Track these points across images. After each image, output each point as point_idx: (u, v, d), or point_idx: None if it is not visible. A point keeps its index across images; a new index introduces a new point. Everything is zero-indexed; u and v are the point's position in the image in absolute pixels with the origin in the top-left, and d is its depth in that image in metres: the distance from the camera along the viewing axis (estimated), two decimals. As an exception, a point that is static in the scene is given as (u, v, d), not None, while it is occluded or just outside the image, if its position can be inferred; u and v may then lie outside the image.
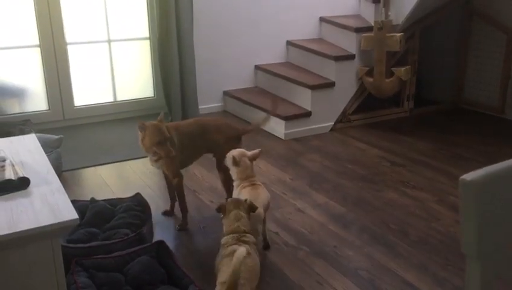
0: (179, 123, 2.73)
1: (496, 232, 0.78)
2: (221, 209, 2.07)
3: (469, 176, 0.74)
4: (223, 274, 1.71)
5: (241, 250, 1.68)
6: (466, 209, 0.74)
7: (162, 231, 2.58)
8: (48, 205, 1.56)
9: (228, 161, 2.38)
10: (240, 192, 2.30)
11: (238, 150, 2.42)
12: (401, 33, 4.05)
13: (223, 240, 1.97)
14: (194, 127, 2.65)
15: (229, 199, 2.17)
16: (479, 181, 0.75)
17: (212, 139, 2.62)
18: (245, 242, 1.90)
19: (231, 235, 1.95)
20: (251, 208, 2.06)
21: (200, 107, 4.45)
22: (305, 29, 4.78)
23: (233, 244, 1.87)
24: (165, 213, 2.77)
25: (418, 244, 2.47)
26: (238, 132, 2.66)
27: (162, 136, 2.41)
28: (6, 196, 1.63)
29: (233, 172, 2.37)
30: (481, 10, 4.51)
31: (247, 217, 2.02)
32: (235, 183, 2.38)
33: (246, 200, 2.08)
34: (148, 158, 2.61)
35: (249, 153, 2.39)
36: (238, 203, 2.07)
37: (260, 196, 2.27)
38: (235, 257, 1.62)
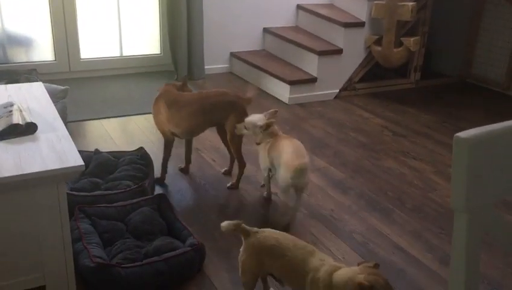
0: (183, 95, 2.61)
1: (485, 189, 0.81)
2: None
3: (463, 134, 0.77)
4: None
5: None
6: (457, 165, 0.77)
7: (163, 186, 2.63)
8: (54, 150, 1.60)
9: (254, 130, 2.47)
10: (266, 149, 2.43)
11: (253, 121, 2.47)
12: (414, 3, 3.99)
13: None
14: (197, 106, 2.54)
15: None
16: (473, 139, 0.77)
17: (220, 116, 2.57)
18: None
19: None
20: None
21: (206, 67, 4.44)
22: (316, -6, 4.72)
23: None
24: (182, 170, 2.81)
25: (413, 212, 2.52)
26: (243, 105, 2.60)
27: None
28: (14, 140, 1.66)
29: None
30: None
31: None
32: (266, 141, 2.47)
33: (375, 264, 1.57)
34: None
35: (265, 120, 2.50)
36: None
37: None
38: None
